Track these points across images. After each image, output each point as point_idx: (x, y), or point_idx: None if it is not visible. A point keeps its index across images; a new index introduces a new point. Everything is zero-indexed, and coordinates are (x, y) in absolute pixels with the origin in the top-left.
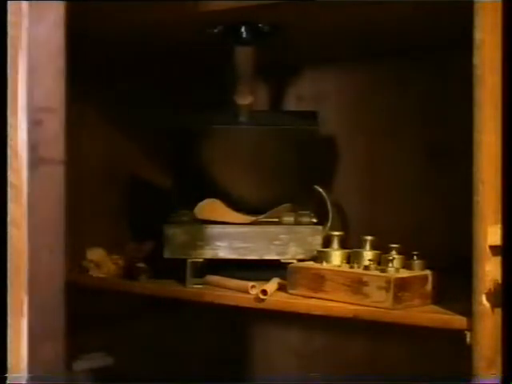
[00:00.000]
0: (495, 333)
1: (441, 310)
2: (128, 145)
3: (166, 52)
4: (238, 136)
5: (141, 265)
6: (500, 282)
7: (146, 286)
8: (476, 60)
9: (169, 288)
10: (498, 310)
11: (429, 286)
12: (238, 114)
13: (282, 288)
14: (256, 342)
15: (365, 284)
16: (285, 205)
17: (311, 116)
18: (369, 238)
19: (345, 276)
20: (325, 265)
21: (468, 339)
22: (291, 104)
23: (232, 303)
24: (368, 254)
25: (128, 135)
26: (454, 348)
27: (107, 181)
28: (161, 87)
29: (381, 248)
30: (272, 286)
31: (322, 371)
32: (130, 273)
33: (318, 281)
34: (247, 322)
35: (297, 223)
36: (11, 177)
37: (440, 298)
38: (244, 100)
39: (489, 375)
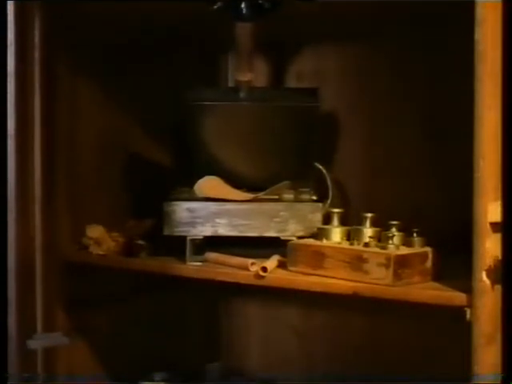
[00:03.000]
0: (495, 309)
1: (441, 286)
2: (128, 122)
3: (166, 27)
4: (237, 113)
5: (140, 242)
6: (500, 258)
7: (146, 263)
8: (477, 35)
9: (169, 265)
10: (498, 287)
11: (429, 263)
12: (238, 91)
13: (281, 265)
14: (256, 319)
15: (365, 261)
16: (285, 182)
17: (311, 93)
18: (369, 215)
19: (345, 253)
20: (325, 242)
21: (468, 316)
22: (291, 81)
23: (232, 280)
24: (368, 231)
25: (128, 112)
26: (454, 325)
27: (107, 158)
28: (160, 63)
29: (381, 225)
30: (272, 263)
31: (321, 349)
32: (129, 250)
33: (317, 258)
34: (247, 300)
35: (297, 200)
36: None
37: (440, 275)
38: (244, 76)
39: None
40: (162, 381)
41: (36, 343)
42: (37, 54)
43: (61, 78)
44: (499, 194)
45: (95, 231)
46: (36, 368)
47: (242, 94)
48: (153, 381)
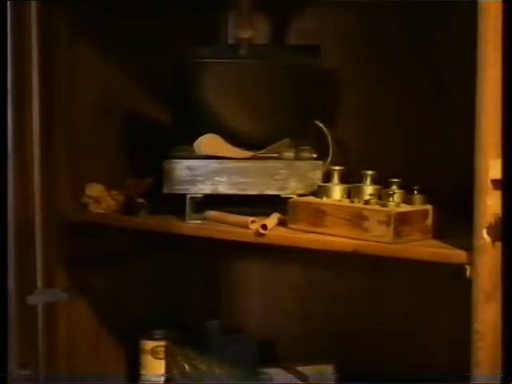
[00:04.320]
0: (495, 267)
1: (441, 244)
2: (127, 80)
3: None
4: (237, 70)
5: (140, 200)
6: (500, 216)
7: (146, 221)
8: None
9: (168, 223)
10: (498, 244)
11: (429, 221)
12: (238, 48)
13: (282, 223)
14: (256, 277)
15: (365, 218)
16: (285, 140)
17: (312, 50)
18: (369, 172)
19: (345, 210)
20: (325, 199)
21: (468, 273)
22: (292, 39)
23: (232, 238)
24: (368, 189)
25: (127, 70)
26: (454, 283)
27: (106, 116)
28: (160, 21)
29: (381, 183)
30: (272, 220)
31: (321, 307)
32: (129, 208)
33: (318, 215)
34: (247, 258)
35: (297, 158)
36: None
37: (440, 232)
38: (244, 33)
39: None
40: (162, 338)
41: (35, 299)
42: (34, 11)
43: (59, 36)
44: (500, 151)
45: (94, 190)
46: (36, 324)
47: (242, 51)
48: (153, 338)
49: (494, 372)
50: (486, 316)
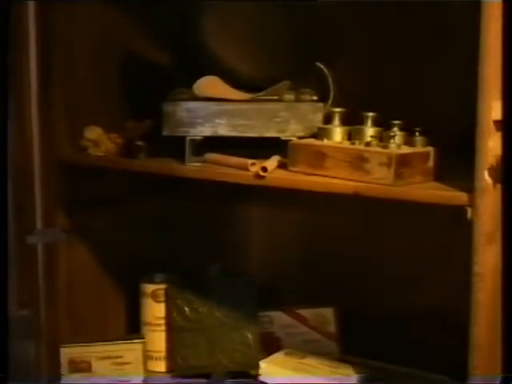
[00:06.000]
0: (496, 208)
1: (442, 186)
2: (126, 22)
3: None
4: (237, 10)
5: (139, 143)
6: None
7: (145, 164)
8: None
9: (168, 166)
10: (499, 186)
11: (430, 163)
12: None
13: (282, 166)
14: (256, 220)
15: (366, 160)
16: (284, 82)
17: None
18: (370, 114)
19: (346, 153)
20: (326, 142)
21: (469, 215)
22: None
23: (232, 180)
24: (369, 131)
25: (126, 12)
26: (455, 225)
27: (105, 59)
28: None
29: (382, 124)
30: (272, 163)
31: (321, 249)
32: (128, 151)
33: (318, 158)
34: (247, 201)
35: (297, 100)
36: None
37: (441, 174)
38: None
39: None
40: (162, 282)
41: (35, 238)
42: None
43: None
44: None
45: (93, 133)
46: (37, 265)
47: None
48: (153, 282)
49: (493, 315)
50: (487, 258)
